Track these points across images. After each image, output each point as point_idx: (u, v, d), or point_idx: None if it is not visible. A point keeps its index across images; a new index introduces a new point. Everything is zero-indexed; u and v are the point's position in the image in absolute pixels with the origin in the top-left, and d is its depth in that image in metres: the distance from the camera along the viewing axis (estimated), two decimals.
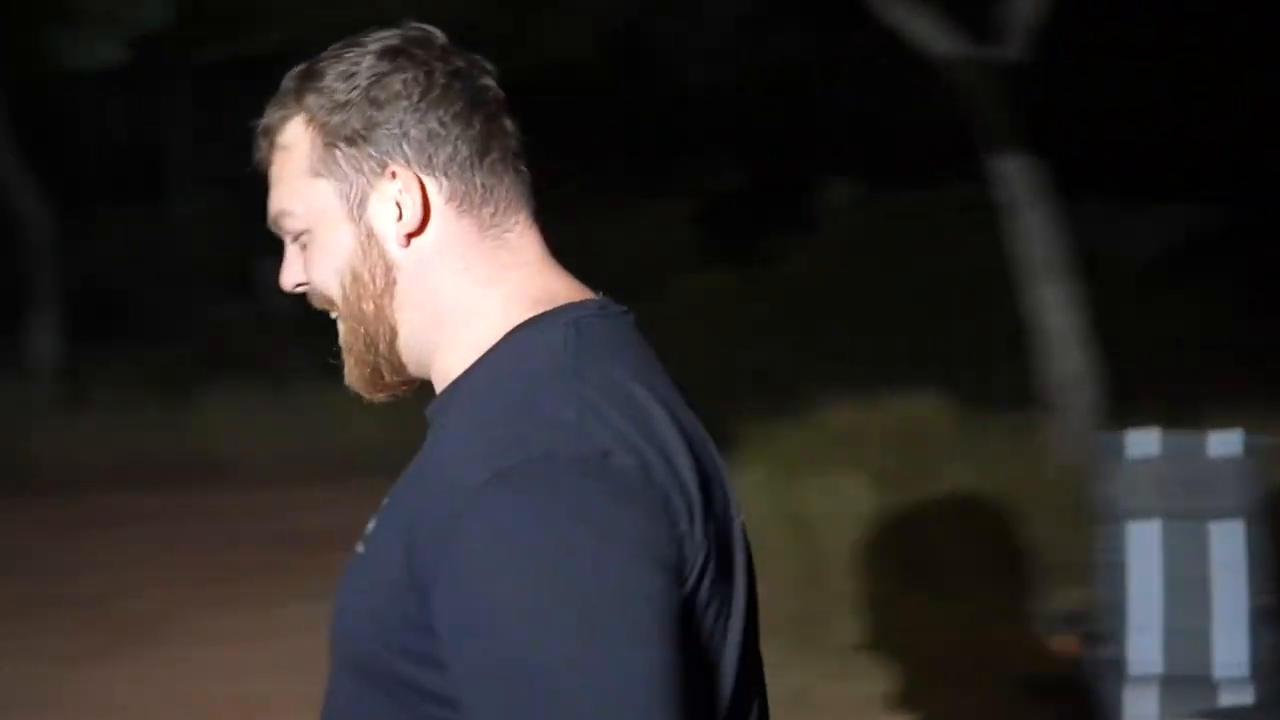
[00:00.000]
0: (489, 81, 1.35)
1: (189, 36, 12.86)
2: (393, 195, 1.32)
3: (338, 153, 1.33)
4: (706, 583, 1.21)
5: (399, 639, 1.22)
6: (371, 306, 1.35)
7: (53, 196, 12.82)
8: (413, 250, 1.33)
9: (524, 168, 1.35)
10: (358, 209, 1.33)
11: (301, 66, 1.37)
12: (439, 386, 1.37)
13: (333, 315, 1.41)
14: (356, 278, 1.34)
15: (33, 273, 12.77)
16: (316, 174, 1.34)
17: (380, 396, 1.42)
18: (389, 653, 1.24)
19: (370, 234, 1.33)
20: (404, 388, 1.42)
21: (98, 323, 13.24)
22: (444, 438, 1.29)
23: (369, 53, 1.33)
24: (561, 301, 1.33)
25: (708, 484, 1.23)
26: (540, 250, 1.36)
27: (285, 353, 12.21)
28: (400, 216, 1.33)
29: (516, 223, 1.34)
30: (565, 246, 1.39)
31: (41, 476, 10.03)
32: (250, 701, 5.66)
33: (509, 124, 1.35)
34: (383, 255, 1.33)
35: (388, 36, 1.34)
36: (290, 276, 1.42)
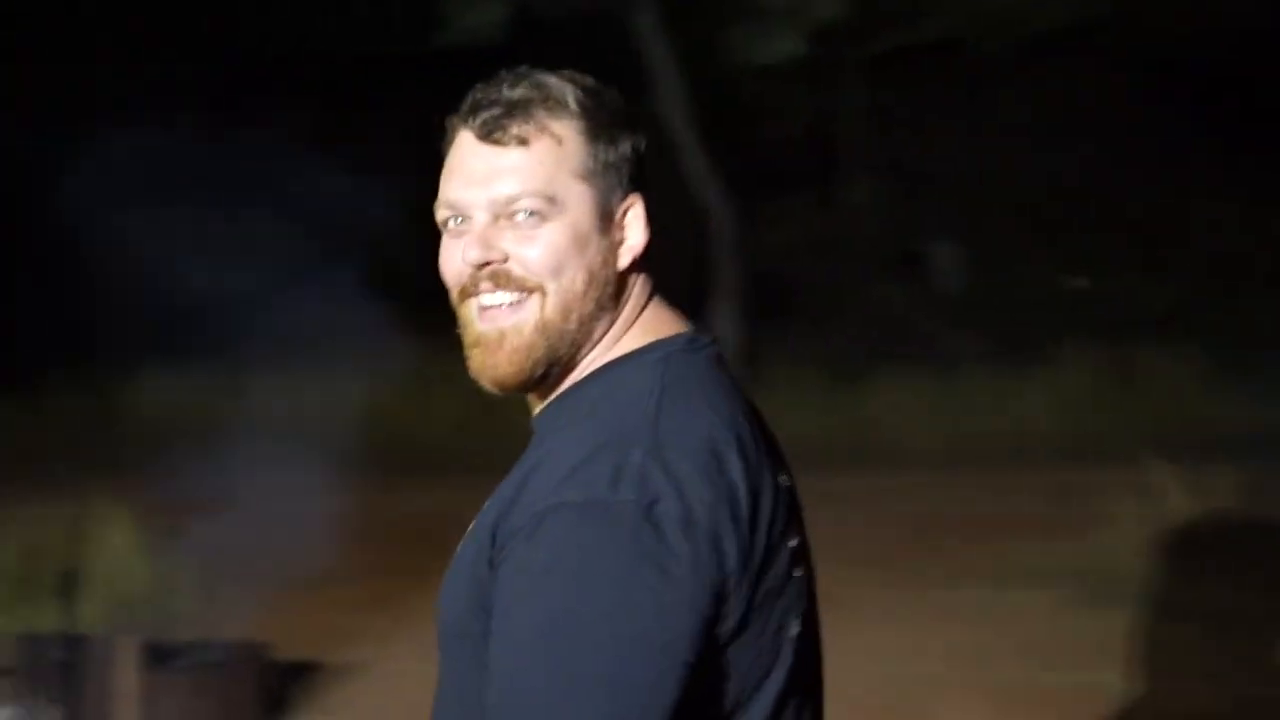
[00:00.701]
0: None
1: (863, 28, 13.24)
2: (628, 221, 1.50)
3: (604, 164, 1.48)
4: (749, 599, 1.37)
5: (473, 615, 1.42)
6: (588, 309, 1.48)
7: (734, 188, 13.61)
8: (628, 272, 1.51)
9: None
10: (606, 220, 1.49)
11: (531, 76, 1.51)
12: (549, 393, 1.53)
13: (490, 301, 1.50)
14: (591, 280, 1.48)
15: (716, 261, 13.61)
16: (580, 177, 1.47)
17: (499, 390, 1.52)
18: (468, 625, 1.43)
19: (613, 246, 1.49)
20: (533, 392, 1.54)
21: (772, 308, 13.89)
22: (541, 453, 1.44)
23: (607, 88, 1.52)
24: (664, 334, 1.50)
25: (757, 520, 1.38)
26: (655, 296, 1.54)
27: (953, 336, 12.30)
28: (631, 241, 1.51)
29: (654, 264, 1.52)
30: None
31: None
32: (927, 685, 5.76)
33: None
34: (613, 268, 1.50)
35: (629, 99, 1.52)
36: (480, 253, 1.48)
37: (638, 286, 1.52)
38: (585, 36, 13.88)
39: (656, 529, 1.31)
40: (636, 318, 1.51)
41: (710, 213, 13.61)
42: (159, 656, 5.75)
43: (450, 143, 1.52)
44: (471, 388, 1.56)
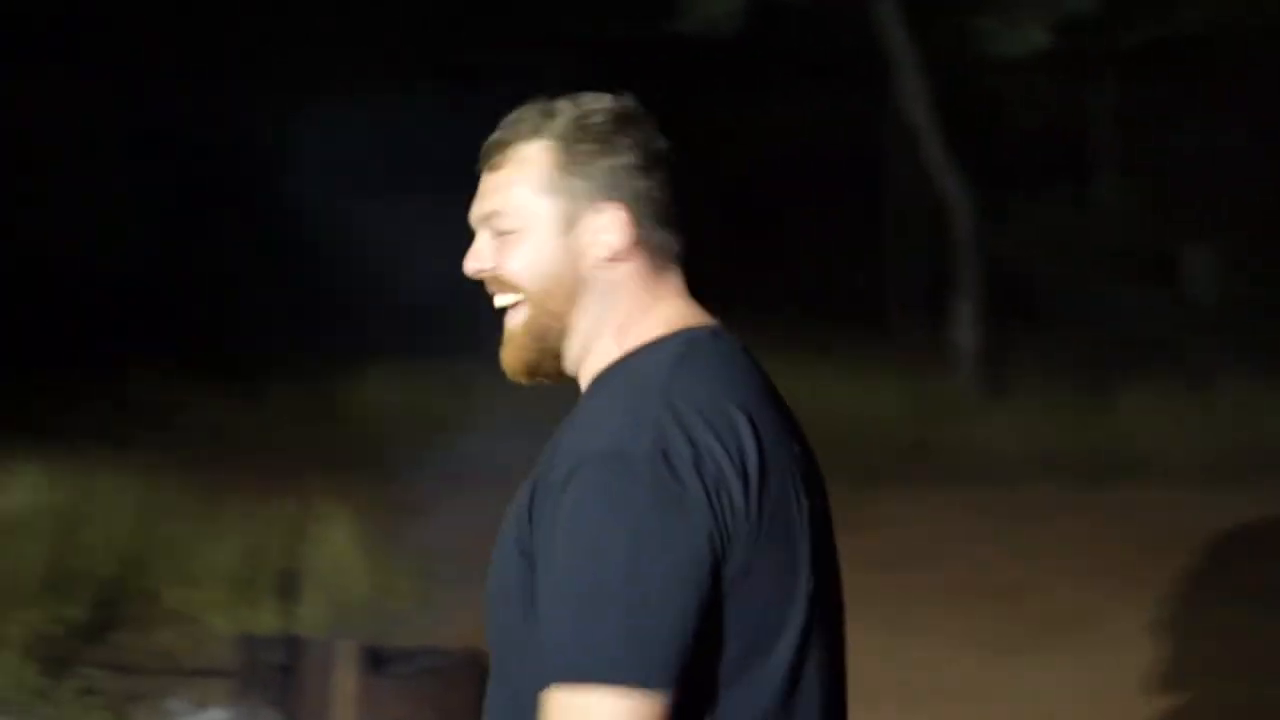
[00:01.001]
0: (670, 155, 1.75)
1: (1114, 20, 12.82)
2: (600, 226, 1.71)
3: (568, 179, 1.71)
4: (755, 544, 1.58)
5: (517, 573, 1.64)
6: (567, 307, 1.72)
7: (976, 184, 13.27)
8: (605, 272, 1.71)
9: (677, 220, 1.75)
10: (569, 228, 1.71)
11: (542, 103, 1.75)
12: (584, 382, 1.75)
13: (500, 303, 1.77)
14: (561, 281, 1.71)
15: (955, 259, 13.29)
16: (546, 193, 1.71)
17: (516, 380, 1.79)
18: (512, 585, 1.65)
19: (584, 250, 1.71)
20: (549, 380, 1.78)
21: (1017, 311, 13.54)
22: (573, 422, 1.67)
23: (606, 109, 1.73)
24: (688, 325, 1.72)
25: (765, 476, 1.59)
26: (681, 286, 1.76)
27: (1206, 346, 11.83)
28: (601, 244, 1.71)
29: (669, 263, 1.75)
30: None
31: (962, 466, 10.41)
32: (1184, 711, 5.58)
33: (675, 188, 1.74)
34: (576, 270, 1.71)
35: (615, 103, 1.74)
36: (475, 264, 1.77)
37: (634, 283, 1.73)
38: (825, 24, 13.68)
39: (672, 470, 1.54)
40: (647, 311, 1.73)
41: (950, 208, 13.30)
42: (378, 661, 5.68)
43: None
44: None
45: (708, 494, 1.56)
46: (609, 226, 1.72)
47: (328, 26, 14.53)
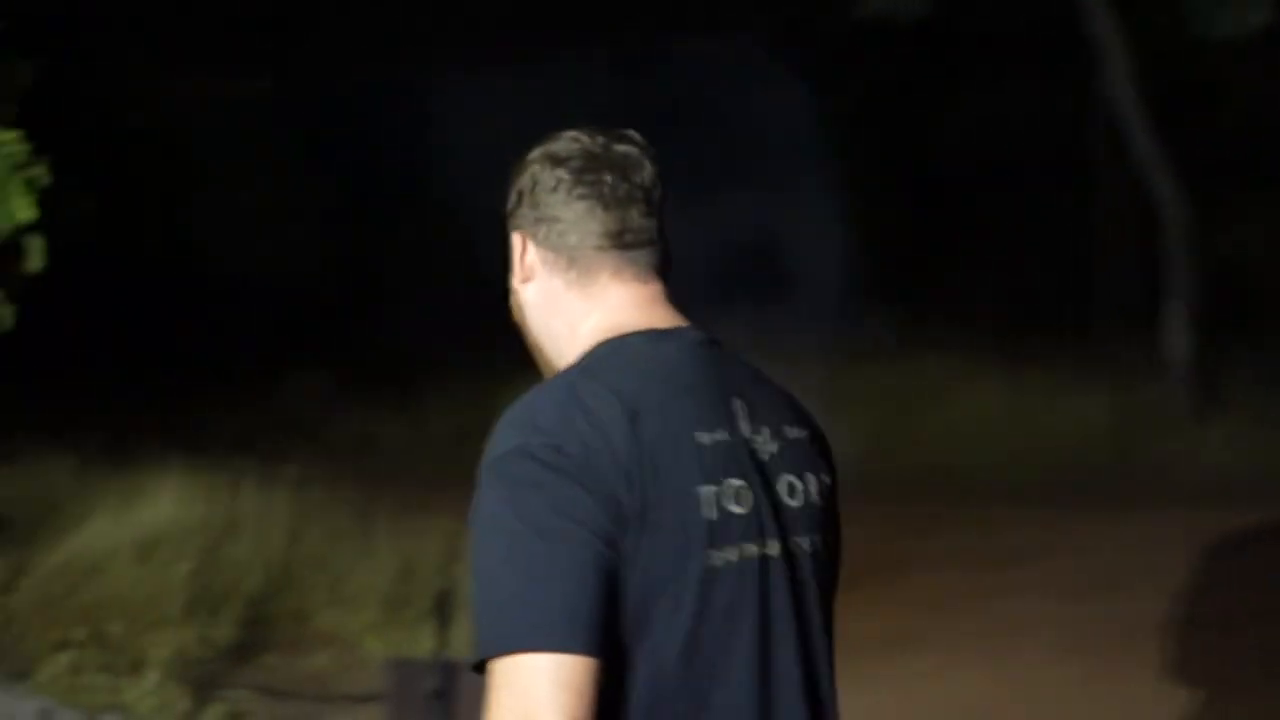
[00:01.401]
0: (639, 179, 2.00)
1: None
2: (519, 252, 2.03)
3: (508, 217, 2.05)
4: (629, 528, 1.80)
5: None
6: (537, 325, 2.05)
7: (1190, 179, 12.90)
8: (527, 294, 2.04)
9: (632, 244, 1.99)
10: (515, 258, 2.05)
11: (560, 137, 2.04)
12: None
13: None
14: (521, 304, 2.06)
15: (1167, 261, 12.93)
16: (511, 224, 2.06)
17: None
18: None
19: (522, 277, 2.04)
20: None
21: (1235, 318, 13.12)
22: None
23: (538, 155, 2.02)
24: (626, 330, 1.95)
25: (643, 466, 1.82)
26: (623, 299, 1.98)
27: None
28: (519, 270, 2.03)
29: (598, 280, 1.98)
30: None
31: (1169, 485, 10.12)
32: None
33: (628, 213, 1.99)
34: (531, 292, 2.04)
35: (558, 143, 2.01)
36: None
37: (566, 300, 2.01)
38: (1022, 6, 13.43)
39: (532, 459, 1.81)
40: (590, 322, 1.99)
41: (1161, 205, 12.95)
42: None
43: None
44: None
45: (567, 473, 1.81)
46: (520, 253, 2.05)
47: (491, 22, 14.68)
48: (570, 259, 2.00)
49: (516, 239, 2.04)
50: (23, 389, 10.81)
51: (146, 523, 7.37)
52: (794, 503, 1.94)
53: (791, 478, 1.94)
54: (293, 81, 14.55)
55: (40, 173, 6.09)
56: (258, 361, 12.91)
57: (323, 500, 8.34)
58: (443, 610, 5.69)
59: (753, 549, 1.88)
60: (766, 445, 1.93)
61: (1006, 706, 6.23)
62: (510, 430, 1.87)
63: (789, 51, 13.36)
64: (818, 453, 2.01)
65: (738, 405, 1.94)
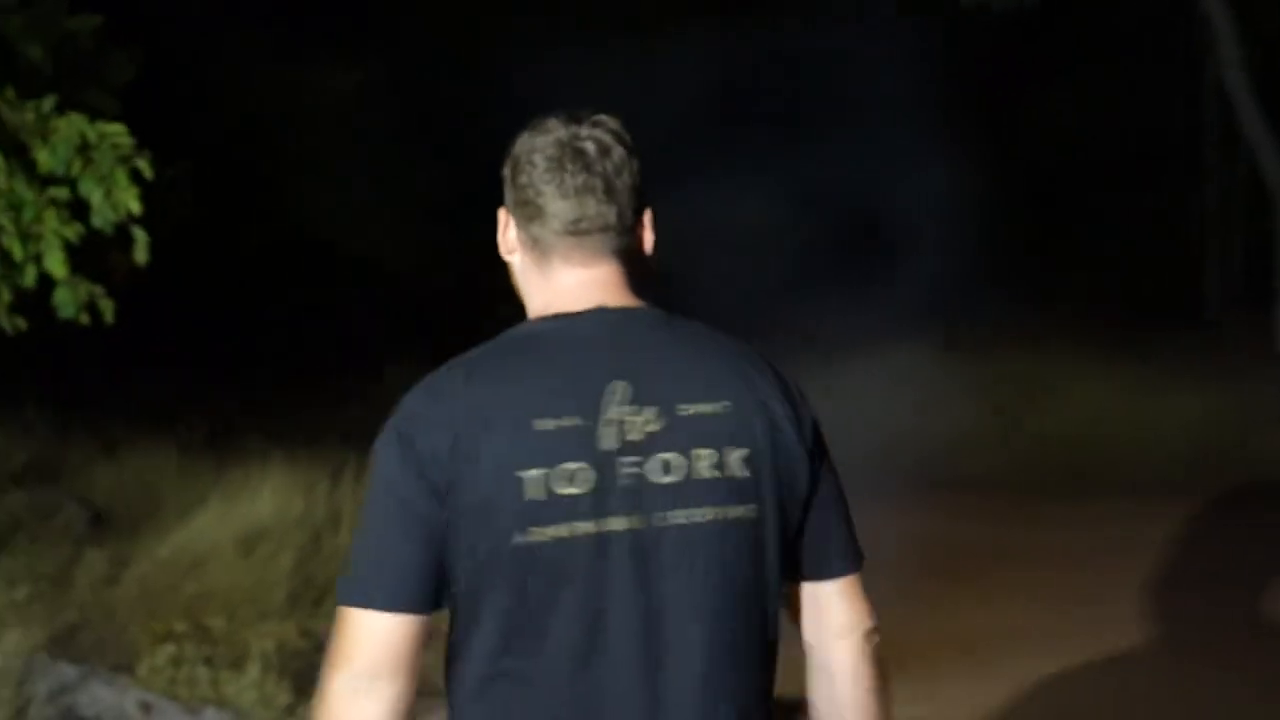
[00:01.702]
0: (600, 168, 2.17)
1: None
2: (502, 227, 2.26)
3: (504, 190, 2.25)
4: (458, 517, 2.06)
5: None
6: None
7: None
8: (514, 266, 2.26)
9: (586, 230, 2.17)
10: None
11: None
12: None
13: None
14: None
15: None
16: None
17: None
18: None
19: (503, 248, 2.29)
20: None
21: None
22: None
23: (520, 141, 2.23)
24: (553, 313, 2.18)
25: (479, 460, 2.05)
26: (568, 282, 2.18)
27: None
28: (503, 243, 2.27)
29: (552, 263, 2.19)
30: None
31: (1276, 481, 9.99)
32: None
33: (585, 202, 2.17)
34: (510, 265, 2.28)
35: (536, 131, 2.21)
36: None
37: (531, 277, 2.23)
38: None
39: (388, 438, 2.10)
40: (537, 303, 2.23)
41: (1274, 190, 12.72)
42: None
43: None
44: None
45: (403, 452, 2.08)
46: (505, 228, 2.27)
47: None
48: (534, 241, 2.21)
49: (501, 215, 2.27)
50: (124, 380, 11.01)
51: (248, 515, 7.44)
52: (667, 478, 2.07)
53: (670, 455, 2.08)
54: (397, 68, 14.63)
55: (145, 165, 6.18)
56: (362, 352, 13.01)
57: None
58: None
59: (586, 527, 2.05)
60: (645, 425, 2.09)
61: (1115, 701, 6.17)
62: (395, 409, 2.16)
63: (901, 37, 13.28)
64: (739, 425, 2.11)
65: (617, 388, 2.10)
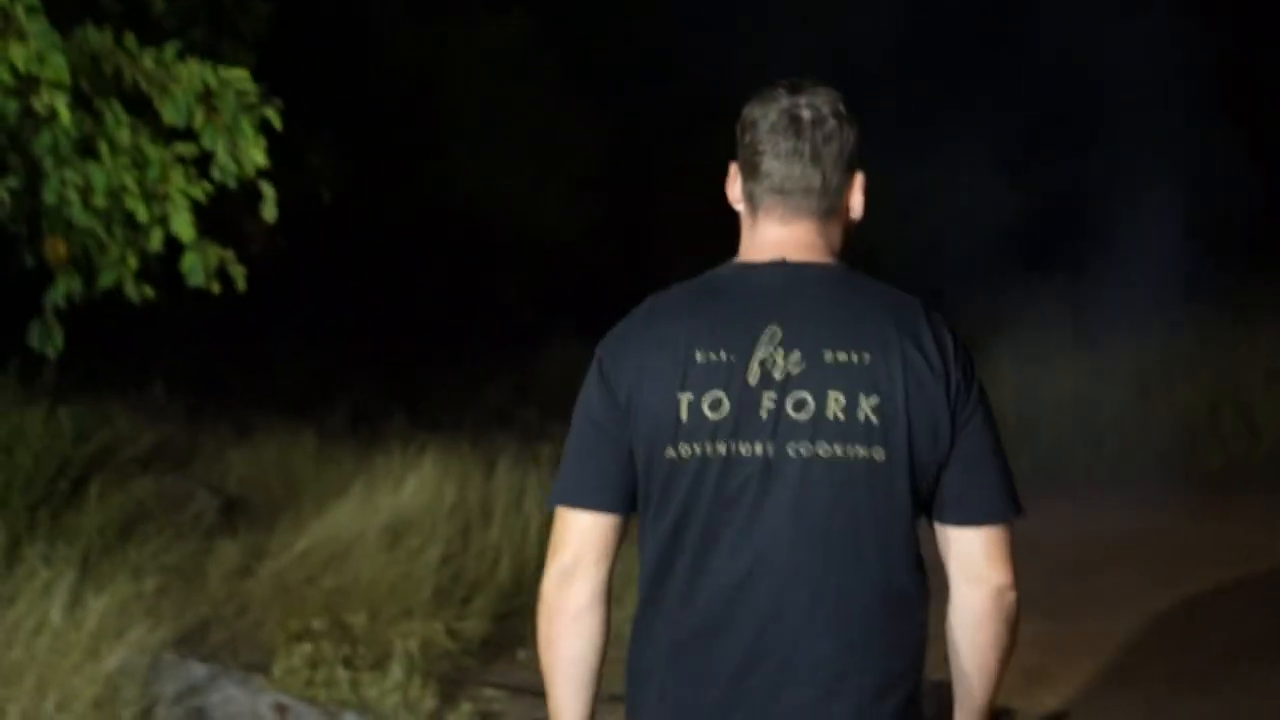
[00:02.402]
0: (809, 135, 2.63)
1: None
2: (731, 178, 2.72)
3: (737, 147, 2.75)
4: (633, 429, 2.59)
5: None
6: None
7: None
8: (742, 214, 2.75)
9: (789, 190, 2.64)
10: None
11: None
12: None
13: None
14: None
15: None
16: None
17: None
18: None
19: (731, 196, 2.75)
20: None
21: None
22: None
23: (749, 104, 2.70)
24: (744, 261, 2.67)
25: (648, 380, 2.58)
26: (765, 237, 2.66)
27: None
28: (731, 191, 2.74)
29: (757, 217, 2.67)
30: None
31: None
32: None
33: (791, 166, 2.64)
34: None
35: (762, 96, 2.68)
36: None
37: (744, 228, 2.70)
38: None
39: (593, 362, 2.64)
40: (740, 250, 2.70)
41: None
42: None
43: None
44: None
45: (600, 376, 2.61)
46: (731, 180, 2.73)
47: None
48: (750, 196, 2.68)
49: (732, 168, 2.71)
50: (260, 360, 11.00)
51: (393, 506, 7.33)
52: (799, 415, 2.53)
53: (805, 394, 2.53)
54: (553, 18, 14.45)
55: (273, 114, 6.02)
56: (516, 331, 12.91)
57: None
58: None
59: (722, 449, 2.54)
60: (788, 366, 2.54)
61: None
62: (606, 336, 2.68)
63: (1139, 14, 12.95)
64: (877, 376, 2.52)
65: (770, 331, 2.57)
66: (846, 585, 2.51)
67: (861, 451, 2.50)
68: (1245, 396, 10.82)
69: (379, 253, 13.04)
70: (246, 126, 5.82)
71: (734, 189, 2.70)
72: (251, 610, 6.51)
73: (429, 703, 5.91)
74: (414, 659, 6.12)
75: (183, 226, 6.06)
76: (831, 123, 2.61)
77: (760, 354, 2.54)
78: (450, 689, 6.21)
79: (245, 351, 10.88)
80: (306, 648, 6.04)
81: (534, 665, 6.81)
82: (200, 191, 6.06)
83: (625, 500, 2.58)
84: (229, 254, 6.25)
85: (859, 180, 2.66)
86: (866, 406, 2.50)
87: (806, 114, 2.61)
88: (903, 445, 2.51)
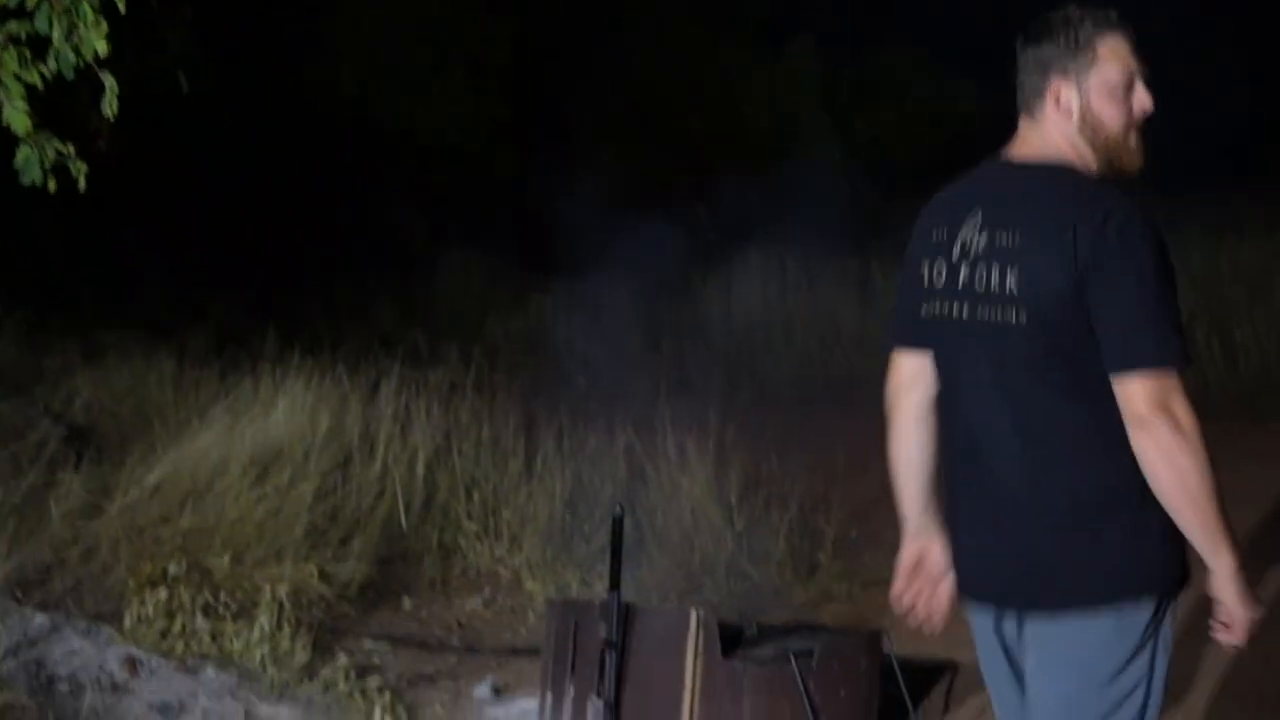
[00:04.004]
0: (1043, 51, 3.47)
1: None
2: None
3: None
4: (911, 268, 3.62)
5: None
6: None
7: None
8: None
9: (1027, 96, 3.50)
10: None
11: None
12: None
13: None
14: None
15: None
16: None
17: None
18: None
19: None
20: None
21: None
22: None
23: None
24: (995, 157, 3.55)
25: (915, 248, 3.62)
26: (1015, 135, 3.50)
27: None
28: None
29: (1020, 118, 3.51)
30: None
31: None
32: None
33: (1030, 78, 3.48)
34: None
35: (1044, 16, 3.49)
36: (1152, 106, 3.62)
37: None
38: None
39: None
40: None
41: None
42: (735, 640, 5.51)
43: (1104, 35, 3.45)
44: None
45: (911, 255, 3.59)
46: None
47: None
48: (1023, 100, 3.52)
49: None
50: (113, 273, 10.92)
51: (260, 435, 7.33)
52: (980, 288, 3.42)
53: (983, 268, 3.42)
54: None
55: None
56: (408, 241, 12.87)
57: (478, 411, 8.25)
58: (618, 548, 5.50)
59: (944, 309, 3.49)
60: (980, 244, 3.43)
61: None
62: None
63: None
64: (1030, 252, 3.34)
65: (977, 214, 3.46)
66: (1019, 423, 3.39)
67: (1023, 316, 3.33)
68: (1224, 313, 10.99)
69: (250, 154, 12.93)
70: (86, 8, 5.76)
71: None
72: (99, 553, 6.51)
73: (300, 655, 5.93)
74: (283, 607, 6.14)
75: (17, 117, 5.99)
76: (1072, 33, 3.43)
77: (962, 233, 3.47)
78: (325, 640, 6.24)
79: (96, 263, 10.81)
80: (161, 595, 6.05)
81: (420, 614, 6.92)
82: (36, 77, 5.99)
83: (920, 342, 3.58)
84: (69, 148, 6.19)
85: (1097, 83, 3.44)
86: (1018, 279, 3.34)
87: (1057, 25, 3.45)
88: (1045, 310, 3.31)
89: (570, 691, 5.42)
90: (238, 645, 5.96)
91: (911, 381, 3.62)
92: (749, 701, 5.25)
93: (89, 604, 6.23)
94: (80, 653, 5.70)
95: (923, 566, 3.69)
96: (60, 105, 6.43)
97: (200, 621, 6.01)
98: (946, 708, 5.82)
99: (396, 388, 8.12)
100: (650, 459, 7.61)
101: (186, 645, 5.93)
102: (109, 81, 5.92)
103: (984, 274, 3.41)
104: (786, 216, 12.95)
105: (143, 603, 6.02)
